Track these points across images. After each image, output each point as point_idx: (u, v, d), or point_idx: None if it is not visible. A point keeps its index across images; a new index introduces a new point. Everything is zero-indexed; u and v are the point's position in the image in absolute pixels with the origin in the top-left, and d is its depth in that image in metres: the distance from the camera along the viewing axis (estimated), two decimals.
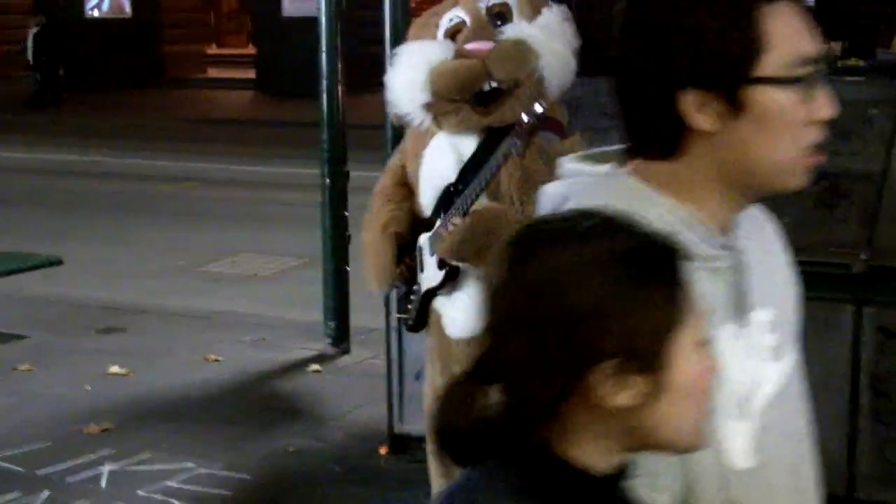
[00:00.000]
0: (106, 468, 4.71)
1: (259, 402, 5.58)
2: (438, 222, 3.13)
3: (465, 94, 3.03)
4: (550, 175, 3.03)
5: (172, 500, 4.44)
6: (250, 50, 25.22)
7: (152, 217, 10.58)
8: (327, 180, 6.18)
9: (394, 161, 3.38)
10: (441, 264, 3.14)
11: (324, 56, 6.15)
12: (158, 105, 21.16)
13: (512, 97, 3.03)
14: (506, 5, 3.12)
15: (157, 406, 5.46)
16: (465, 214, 3.04)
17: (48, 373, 5.95)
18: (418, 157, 3.22)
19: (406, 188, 3.28)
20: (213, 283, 8.18)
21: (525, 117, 2.85)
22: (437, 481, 3.38)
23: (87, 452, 4.85)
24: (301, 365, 6.07)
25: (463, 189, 3.05)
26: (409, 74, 3.08)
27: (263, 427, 5.19)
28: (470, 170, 3.07)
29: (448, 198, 3.11)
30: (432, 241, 3.15)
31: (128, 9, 24.23)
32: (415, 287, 3.25)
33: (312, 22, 6.31)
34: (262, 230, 9.77)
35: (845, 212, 4.19)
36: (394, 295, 4.04)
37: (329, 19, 6.15)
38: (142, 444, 4.95)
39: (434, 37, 3.15)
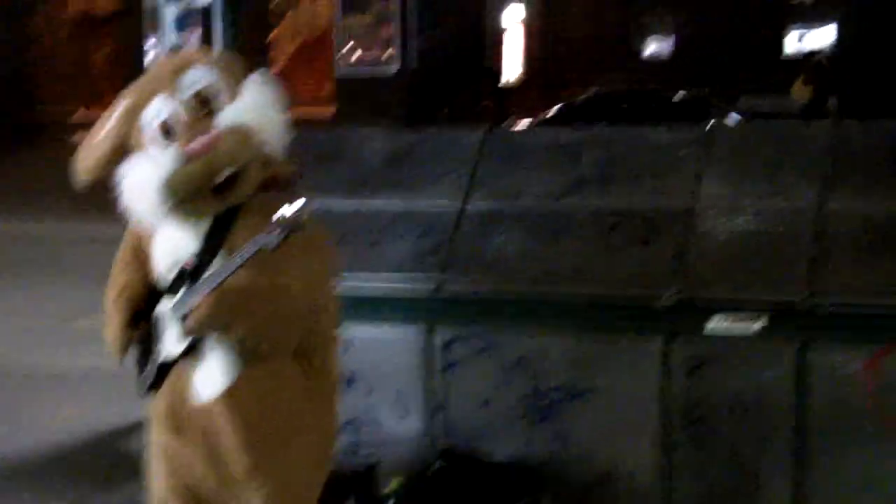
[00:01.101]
0: None
1: (104, 460, 5.54)
2: (178, 297, 3.16)
3: (203, 192, 3.11)
4: (271, 230, 3.12)
5: None
6: None
7: (18, 277, 10.44)
8: None
9: (130, 229, 3.40)
10: (185, 336, 3.17)
11: None
12: (31, 167, 20.80)
13: (244, 177, 3.13)
14: (210, 88, 3.18)
15: None
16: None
17: None
18: (152, 229, 3.27)
19: (143, 255, 3.32)
20: (78, 339, 8.09)
21: (283, 214, 2.93)
22: None
23: None
24: None
25: (200, 266, 3.12)
26: (142, 188, 3.12)
27: (105, 485, 5.17)
28: (206, 249, 3.14)
29: (185, 275, 3.15)
30: (174, 314, 3.17)
31: None
32: (152, 356, 3.26)
33: None
34: None
35: (659, 247, 4.36)
36: None
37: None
38: None
39: (143, 142, 3.17)
